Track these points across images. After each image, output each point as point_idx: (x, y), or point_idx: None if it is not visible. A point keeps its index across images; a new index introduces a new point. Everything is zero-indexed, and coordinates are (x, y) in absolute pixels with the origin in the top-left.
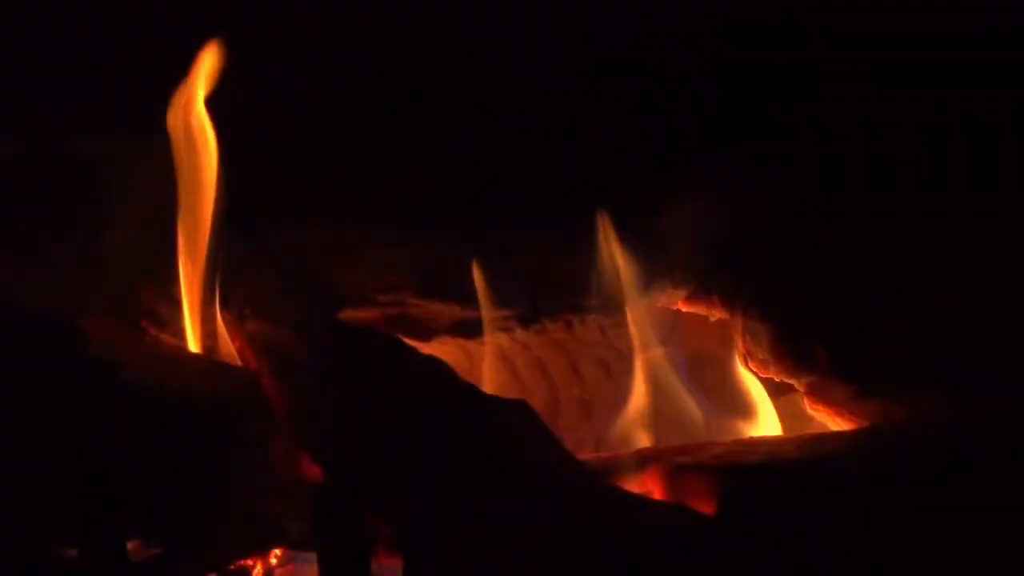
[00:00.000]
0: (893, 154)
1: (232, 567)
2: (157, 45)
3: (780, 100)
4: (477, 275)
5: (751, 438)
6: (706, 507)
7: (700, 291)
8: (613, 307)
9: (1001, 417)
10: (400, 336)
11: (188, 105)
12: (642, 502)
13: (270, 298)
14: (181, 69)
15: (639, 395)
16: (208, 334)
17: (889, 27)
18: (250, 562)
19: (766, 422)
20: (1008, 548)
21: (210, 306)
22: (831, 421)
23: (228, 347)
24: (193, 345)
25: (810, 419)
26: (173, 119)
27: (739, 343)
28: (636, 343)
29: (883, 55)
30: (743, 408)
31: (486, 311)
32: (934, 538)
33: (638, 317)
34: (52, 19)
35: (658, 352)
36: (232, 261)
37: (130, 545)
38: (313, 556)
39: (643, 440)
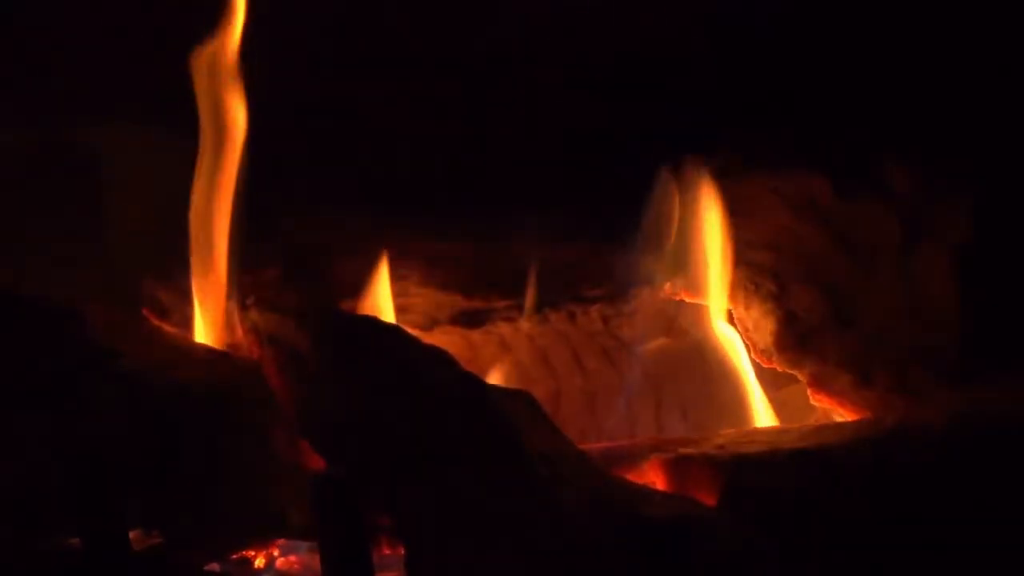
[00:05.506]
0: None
1: (234, 557)
2: (162, 33)
3: (781, 97)
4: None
5: (752, 428)
6: (709, 497)
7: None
8: (617, 297)
9: (1003, 407)
10: (402, 326)
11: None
12: (644, 492)
13: (272, 288)
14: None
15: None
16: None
17: None
18: (251, 552)
19: (765, 412)
20: (1010, 540)
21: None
22: (833, 411)
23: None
24: (208, 338)
25: (811, 410)
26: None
27: (742, 333)
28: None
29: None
30: (741, 398)
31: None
32: (935, 527)
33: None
34: (55, 6)
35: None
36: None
37: (131, 534)
38: (315, 546)
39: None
